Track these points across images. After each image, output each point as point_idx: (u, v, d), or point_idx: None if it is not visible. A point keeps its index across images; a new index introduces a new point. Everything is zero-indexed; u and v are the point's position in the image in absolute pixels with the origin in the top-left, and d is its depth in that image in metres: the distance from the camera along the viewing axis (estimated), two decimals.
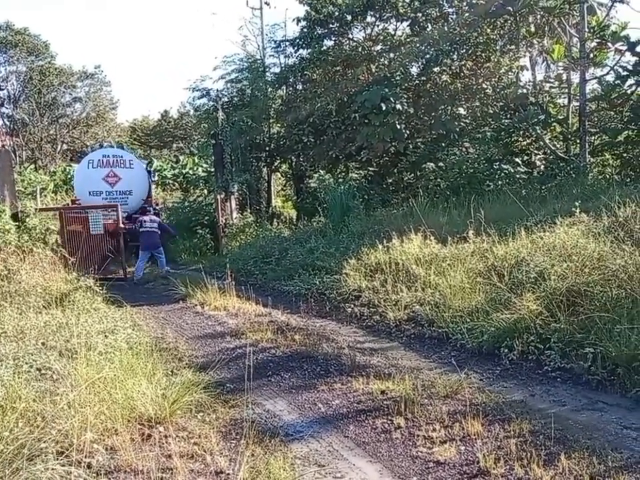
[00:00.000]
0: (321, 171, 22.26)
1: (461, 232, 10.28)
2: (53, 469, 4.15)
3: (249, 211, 21.60)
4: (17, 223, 13.30)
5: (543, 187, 13.96)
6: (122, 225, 15.86)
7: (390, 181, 19.20)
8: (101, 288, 10.20)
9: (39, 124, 40.51)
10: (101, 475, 4.35)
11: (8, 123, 40.62)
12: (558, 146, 17.09)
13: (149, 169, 21.09)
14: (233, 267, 11.63)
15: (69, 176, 33.39)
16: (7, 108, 40.72)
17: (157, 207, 20.22)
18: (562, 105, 17.75)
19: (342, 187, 16.49)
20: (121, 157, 18.88)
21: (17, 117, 40.44)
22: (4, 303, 8.66)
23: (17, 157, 34.62)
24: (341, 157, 20.19)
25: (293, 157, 23.33)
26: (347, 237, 13.32)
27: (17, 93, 40.88)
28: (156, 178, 28.92)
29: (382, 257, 10.48)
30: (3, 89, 39.54)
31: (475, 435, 4.90)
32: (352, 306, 9.49)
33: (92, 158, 18.88)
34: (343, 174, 21.17)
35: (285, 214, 25.34)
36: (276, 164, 24.52)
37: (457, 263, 9.08)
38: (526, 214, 10.47)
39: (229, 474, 4.47)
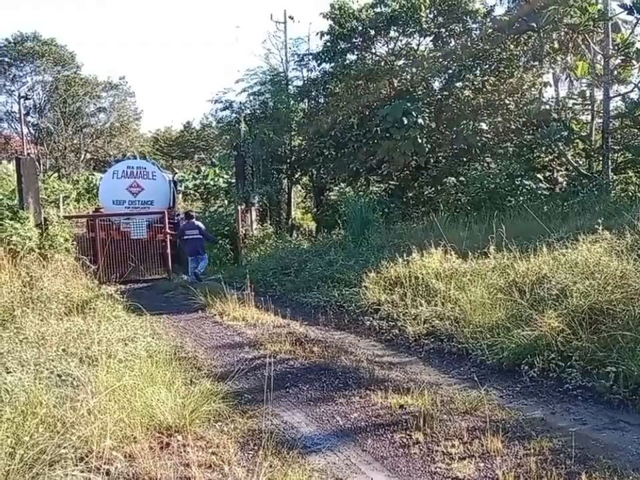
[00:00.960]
0: (341, 183, 22.33)
1: (481, 247, 10.21)
2: (72, 475, 4.18)
3: (268, 222, 21.68)
4: (40, 230, 13.48)
5: (565, 204, 13.89)
6: (168, 231, 16.85)
7: (410, 194, 19.22)
8: (121, 296, 10.27)
9: (63, 133, 41.05)
10: None
11: (33, 132, 41.22)
12: (580, 163, 17.02)
13: (174, 179, 21.87)
14: (252, 278, 11.64)
15: (92, 185, 33.83)
16: (32, 117, 41.37)
17: (178, 217, 20.47)
18: (585, 121, 17.69)
19: (362, 200, 16.47)
20: (144, 168, 19.51)
21: (42, 126, 41.01)
22: (26, 309, 8.74)
23: (41, 165, 35.09)
24: (361, 170, 20.24)
25: (313, 170, 23.41)
26: (366, 250, 13.30)
27: (43, 102, 41.50)
28: (182, 188, 29.22)
29: (402, 270, 10.44)
30: (29, 99, 40.16)
31: (494, 452, 4.85)
32: (371, 319, 9.46)
33: (117, 169, 19.65)
34: (364, 187, 21.20)
35: (304, 226, 25.39)
36: (297, 176, 24.62)
37: (478, 278, 9.02)
38: (548, 230, 10.38)
39: None
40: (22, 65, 40.73)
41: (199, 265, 16.03)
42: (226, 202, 25.70)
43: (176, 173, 23.97)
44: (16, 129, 41.58)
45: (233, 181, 24.58)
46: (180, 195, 25.33)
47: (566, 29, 16.16)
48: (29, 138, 39.95)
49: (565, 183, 16.76)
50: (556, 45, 17.38)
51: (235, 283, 12.30)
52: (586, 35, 15.60)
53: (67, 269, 11.00)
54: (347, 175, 21.19)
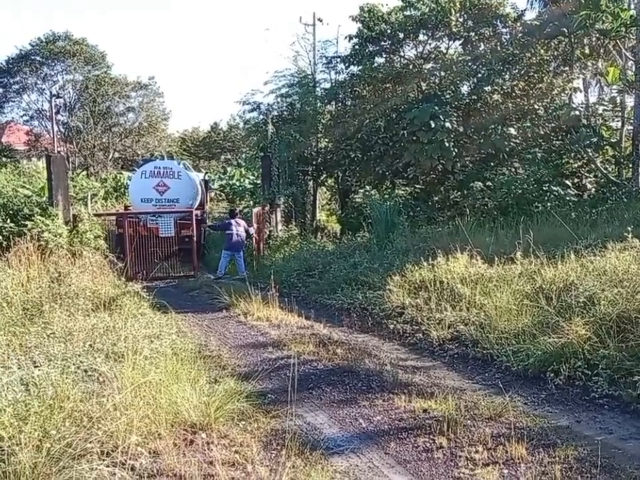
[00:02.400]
0: (366, 186, 22.27)
1: (508, 253, 10.13)
2: (98, 469, 4.23)
3: (293, 223, 21.71)
4: (69, 227, 13.67)
5: (594, 211, 13.72)
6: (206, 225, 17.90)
7: (436, 198, 19.12)
8: (147, 293, 10.36)
9: (92, 132, 41.45)
10: (144, 477, 4.42)
11: (63, 130, 41.70)
12: (610, 169, 16.81)
13: (205, 179, 23.35)
14: (276, 279, 11.67)
15: (119, 183, 34.20)
16: (62, 115, 41.79)
17: (203, 216, 20.79)
18: (615, 128, 17.47)
19: (388, 203, 16.44)
20: (171, 168, 20.35)
21: (72, 125, 41.44)
22: (54, 305, 8.85)
23: (70, 163, 35.48)
24: (387, 173, 20.20)
25: (339, 172, 23.41)
26: (391, 253, 13.26)
27: (73, 101, 41.93)
28: (216, 186, 29.45)
29: (426, 274, 10.40)
30: (60, 97, 40.62)
31: (518, 459, 4.82)
32: (395, 322, 9.43)
33: (145, 169, 20.55)
34: (389, 190, 21.13)
35: (329, 228, 25.38)
36: (322, 178, 24.64)
37: (504, 284, 8.96)
38: (575, 237, 10.27)
39: None
40: (53, 64, 41.19)
41: (237, 264, 16.43)
42: (251, 203, 25.79)
43: (206, 173, 24.72)
44: (46, 126, 42.12)
45: (259, 182, 24.67)
46: (212, 194, 26.00)
47: (597, 35, 15.96)
48: (58, 136, 40.47)
49: (593, 189, 16.57)
50: (587, 51, 17.19)
51: (259, 284, 12.35)
52: (617, 41, 15.39)
53: (95, 266, 11.12)
54: (372, 177, 21.15)
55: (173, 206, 19.36)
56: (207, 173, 25.75)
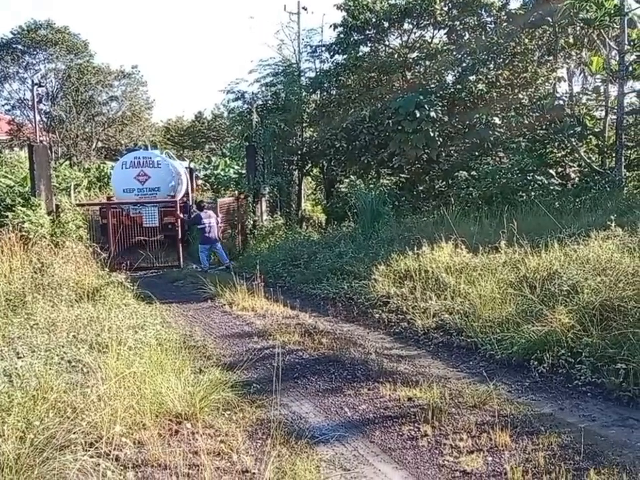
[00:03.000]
0: (352, 176, 22.22)
1: (492, 242, 10.18)
2: (82, 460, 4.21)
3: (279, 213, 21.65)
4: (52, 217, 13.55)
5: (577, 200, 13.81)
6: (179, 214, 17.51)
7: (421, 188, 19.15)
8: (131, 284, 10.31)
9: (75, 121, 41.05)
10: (128, 468, 4.40)
11: (45, 120, 41.23)
12: (593, 159, 16.90)
13: (191, 168, 23.57)
14: (262, 269, 11.64)
15: (103, 173, 33.95)
16: (45, 105, 41.28)
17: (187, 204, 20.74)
18: (599, 117, 17.54)
19: (373, 193, 16.43)
20: (150, 157, 20.50)
21: (55, 114, 40.97)
22: (37, 296, 8.79)
23: (53, 153, 35.15)
24: (372, 162, 20.18)
25: (324, 162, 23.33)
26: (376, 242, 13.27)
27: (55, 90, 41.43)
28: (201, 175, 29.45)
29: (411, 264, 10.42)
30: (42, 86, 40.13)
31: (502, 447, 4.86)
32: (380, 312, 9.45)
33: (125, 160, 20.77)
34: (374, 180, 21.10)
35: (314, 218, 25.34)
36: (307, 168, 24.53)
37: (488, 273, 9.00)
38: (559, 226, 10.33)
39: (254, 473, 4.49)
40: (35, 52, 40.67)
41: (219, 255, 16.31)
42: (236, 192, 25.72)
43: (191, 161, 24.99)
44: (28, 116, 41.60)
45: (244, 171, 24.55)
46: (198, 182, 27.28)
47: (581, 24, 16.00)
48: (41, 125, 40.01)
49: (577, 179, 16.65)
50: (571, 40, 17.23)
51: (244, 273, 12.32)
52: (601, 30, 15.45)
53: (78, 256, 11.04)
54: (357, 167, 21.13)
55: (155, 195, 19.50)
56: (191, 161, 26.22)
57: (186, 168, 23.99)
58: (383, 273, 10.55)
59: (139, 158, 20.34)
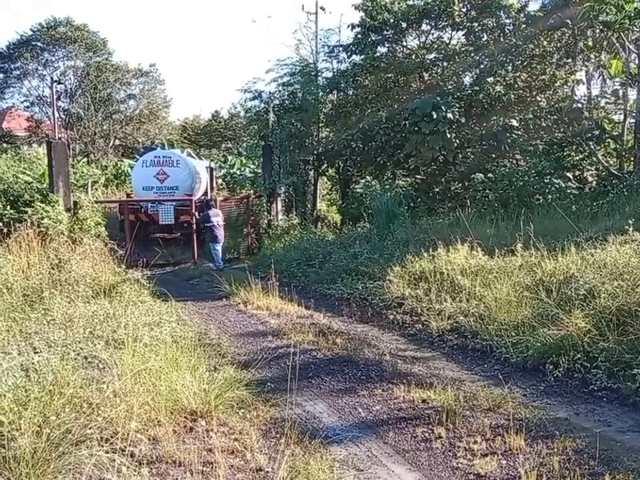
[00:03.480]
0: (367, 176, 22.21)
1: (508, 245, 10.13)
2: (97, 455, 4.24)
3: (294, 213, 21.69)
4: (69, 214, 13.66)
5: (595, 204, 13.69)
6: (194, 212, 17.91)
7: (437, 189, 19.08)
8: (147, 281, 10.36)
9: (93, 119, 41.32)
10: (143, 464, 4.43)
11: (64, 117, 41.55)
12: (611, 162, 16.78)
13: (212, 167, 25.27)
14: (277, 268, 11.67)
15: (120, 170, 34.15)
16: (63, 102, 41.61)
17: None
18: (617, 121, 17.41)
19: (388, 194, 16.42)
20: (170, 157, 20.98)
21: (73, 111, 41.29)
22: (54, 291, 8.86)
23: (71, 150, 35.31)
24: (388, 163, 20.13)
25: (340, 162, 23.31)
26: (391, 243, 13.26)
27: (74, 87, 41.77)
28: (221, 173, 30.21)
29: (426, 265, 10.40)
30: (61, 83, 40.44)
31: (517, 450, 4.84)
32: (394, 313, 9.44)
33: (146, 158, 21.24)
34: (390, 181, 21.08)
35: (329, 218, 25.36)
36: (323, 168, 24.54)
37: (504, 276, 8.96)
38: (576, 230, 10.26)
39: (268, 472, 4.51)
40: (54, 50, 41.03)
41: (218, 251, 16.74)
42: (252, 192, 25.80)
43: (212, 160, 27.12)
44: (47, 113, 41.96)
45: (259, 171, 24.64)
46: (219, 181, 28.17)
47: (601, 27, 15.85)
48: (59, 122, 40.30)
49: (594, 182, 16.53)
50: (590, 43, 17.08)
51: (259, 273, 12.35)
52: (621, 33, 15.30)
53: (95, 253, 11.12)
54: (373, 168, 21.09)
55: (173, 193, 19.87)
56: (212, 160, 27.60)
57: (206, 167, 24.71)
58: (397, 274, 10.54)
59: (159, 157, 20.83)
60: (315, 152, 23.53)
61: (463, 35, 21.05)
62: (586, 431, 5.22)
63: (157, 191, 20.09)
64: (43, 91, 42.02)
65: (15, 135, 40.79)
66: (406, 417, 5.61)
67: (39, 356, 5.88)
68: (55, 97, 39.16)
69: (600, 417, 5.63)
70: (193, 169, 21.44)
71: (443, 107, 16.85)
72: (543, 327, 7.17)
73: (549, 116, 17.94)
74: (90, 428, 4.53)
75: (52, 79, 40.30)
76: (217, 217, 16.78)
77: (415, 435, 5.25)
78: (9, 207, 13.10)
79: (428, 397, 5.96)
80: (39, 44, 40.83)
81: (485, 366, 7.20)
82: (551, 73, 18.68)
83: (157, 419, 4.99)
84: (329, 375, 6.84)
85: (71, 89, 41.69)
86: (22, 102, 43.18)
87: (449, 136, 16.92)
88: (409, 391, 6.15)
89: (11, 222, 12.13)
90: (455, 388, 6.15)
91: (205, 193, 22.36)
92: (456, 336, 8.22)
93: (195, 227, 17.59)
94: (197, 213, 17.93)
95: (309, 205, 23.87)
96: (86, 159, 37.27)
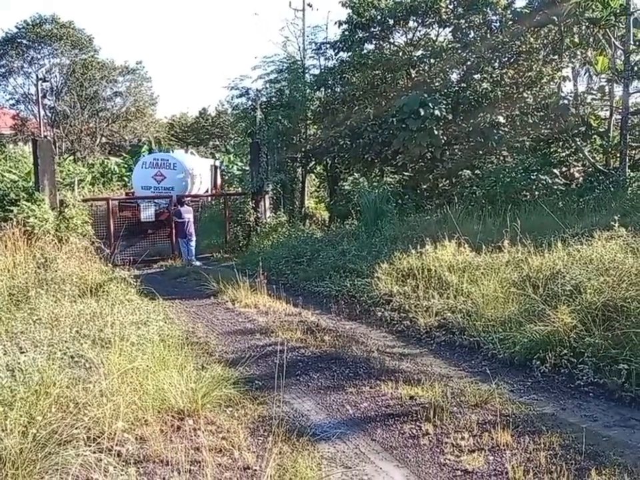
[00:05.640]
0: (355, 173, 22.22)
1: (495, 241, 10.17)
2: (84, 455, 4.22)
3: (282, 210, 21.66)
4: (55, 212, 13.57)
5: (581, 200, 13.78)
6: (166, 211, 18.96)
7: (425, 186, 19.11)
8: (134, 279, 10.32)
9: (79, 116, 41.05)
10: (130, 463, 4.40)
11: (50, 115, 41.25)
12: (598, 159, 16.87)
13: (216, 165, 27.40)
14: (265, 266, 11.66)
15: (107, 169, 34.08)
16: (49, 99, 41.33)
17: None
18: (603, 117, 17.49)
19: (376, 191, 16.41)
20: (167, 160, 22.69)
21: (59, 109, 40.99)
22: (40, 291, 8.81)
23: (57, 148, 35.11)
24: (376, 160, 20.14)
25: (328, 159, 23.31)
26: (379, 240, 13.27)
27: (60, 85, 41.45)
28: (224, 168, 31.75)
29: (414, 262, 10.42)
30: (47, 81, 40.13)
31: (504, 446, 4.86)
32: (382, 310, 9.45)
33: (146, 160, 23.35)
34: (378, 178, 21.09)
35: (317, 215, 25.35)
36: (311, 165, 24.53)
37: (491, 272, 8.99)
38: (563, 226, 10.33)
39: (256, 470, 4.50)
40: (40, 47, 40.65)
41: (191, 248, 17.23)
42: (239, 189, 25.76)
43: (216, 159, 28.80)
44: (32, 111, 41.65)
45: (247, 168, 24.61)
46: (225, 178, 29.77)
47: (587, 23, 15.94)
48: (45, 120, 40.01)
49: (581, 178, 16.63)
50: (576, 39, 17.15)
51: (247, 270, 12.32)
52: (607, 30, 15.40)
53: (82, 252, 11.06)
54: (361, 165, 21.10)
55: (169, 193, 20.85)
56: (217, 159, 29.39)
57: (211, 166, 26.91)
58: (385, 271, 10.55)
59: (158, 159, 22.73)
60: (303, 149, 23.52)
61: (449, 32, 21.08)
62: (572, 426, 5.24)
63: (154, 190, 21.63)
64: (29, 88, 41.71)
65: (0, 134, 40.44)
66: (394, 413, 5.61)
67: (25, 356, 5.85)
68: (40, 94, 38.88)
69: (586, 412, 5.66)
70: (190, 171, 22.74)
71: (430, 104, 16.87)
72: (529, 323, 7.20)
73: (535, 112, 18.03)
74: (76, 428, 4.50)
75: (37, 76, 39.97)
76: (188, 214, 17.38)
77: (402, 431, 5.26)
78: None
79: (416, 393, 5.97)
80: (24, 41, 40.48)
81: (473, 362, 7.22)
82: (538, 69, 18.75)
83: (144, 418, 4.97)
84: (317, 372, 6.84)
85: (56, 86, 41.39)
86: (7, 100, 42.85)
87: (436, 133, 16.94)
88: (397, 388, 6.16)
89: None
90: (442, 384, 6.17)
91: (207, 191, 24.33)
92: (444, 332, 8.24)
93: (173, 224, 18.22)
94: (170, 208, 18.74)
95: (297, 203, 23.88)
96: (72, 157, 37.09)
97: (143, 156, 30.22)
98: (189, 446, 4.74)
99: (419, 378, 6.42)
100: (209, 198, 23.82)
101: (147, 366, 5.61)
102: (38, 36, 40.03)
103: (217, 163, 28.38)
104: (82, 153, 41.32)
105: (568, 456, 4.67)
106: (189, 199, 19.16)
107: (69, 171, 29.57)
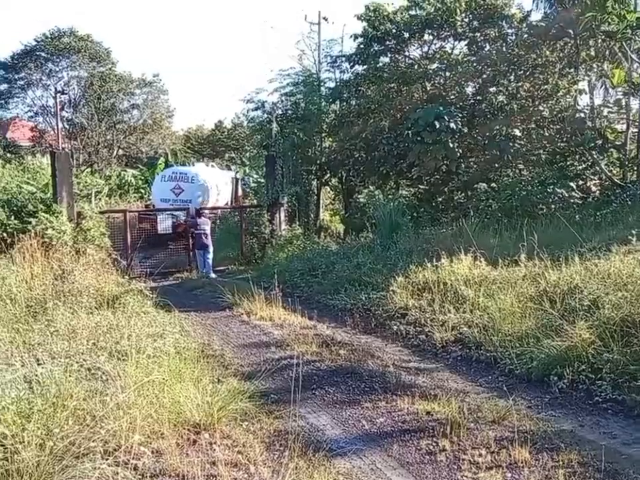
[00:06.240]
0: (370, 186, 22.23)
1: (512, 255, 10.12)
2: (100, 469, 4.22)
3: (297, 222, 21.69)
4: (73, 224, 13.67)
5: (598, 213, 13.70)
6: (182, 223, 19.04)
7: (440, 199, 19.09)
8: (150, 291, 10.35)
9: (97, 129, 41.44)
10: (146, 477, 4.41)
11: (67, 127, 41.68)
12: (614, 172, 16.78)
13: (237, 177, 28.25)
14: (280, 278, 11.66)
15: (123, 180, 34.36)
16: (67, 112, 41.77)
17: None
18: (620, 130, 17.41)
19: (391, 204, 16.40)
20: (185, 173, 23.35)
21: (77, 121, 41.44)
22: (57, 302, 8.85)
23: (75, 160, 35.38)
24: (391, 173, 20.17)
25: (343, 172, 23.38)
26: (394, 253, 13.23)
27: (78, 97, 41.91)
28: (246, 180, 32.00)
29: (430, 275, 10.38)
30: (65, 93, 40.57)
31: (522, 463, 4.81)
32: (398, 324, 9.41)
33: (165, 173, 24.15)
34: (393, 190, 21.11)
35: (332, 228, 25.34)
36: (326, 177, 24.59)
37: (508, 286, 8.94)
38: (580, 240, 10.25)
39: None
40: (58, 60, 41.16)
41: (208, 260, 17.16)
42: (255, 201, 25.85)
43: (237, 172, 29.43)
44: (50, 123, 42.11)
45: (262, 180, 24.72)
46: (247, 190, 30.18)
47: (603, 36, 15.91)
48: (63, 132, 40.43)
49: (598, 192, 16.53)
50: (592, 52, 17.12)
51: (262, 283, 12.33)
52: (623, 43, 15.36)
53: (99, 263, 11.12)
54: (376, 177, 21.12)
55: (187, 205, 20.93)
56: (237, 172, 29.86)
57: (232, 178, 27.62)
58: (401, 285, 10.52)
59: (176, 173, 23.48)
60: (318, 162, 23.59)
61: (465, 45, 21.13)
62: (591, 443, 5.19)
63: (172, 203, 22.16)
64: (47, 101, 42.20)
65: (18, 145, 40.92)
66: (410, 429, 5.58)
67: (42, 368, 5.87)
68: (58, 107, 39.34)
69: (605, 429, 5.59)
70: (207, 184, 23.13)
71: (445, 117, 16.88)
72: (547, 338, 7.15)
73: (551, 125, 18.00)
74: (93, 441, 4.51)
75: (56, 89, 40.48)
76: (206, 226, 17.31)
77: (419, 447, 5.22)
78: (12, 217, 13.08)
79: (432, 408, 5.93)
80: (43, 54, 41.01)
81: (489, 377, 7.16)
82: (554, 82, 18.70)
83: (160, 431, 4.98)
84: (333, 386, 6.82)
85: (74, 99, 41.84)
86: (26, 112, 43.40)
87: (451, 145, 16.94)
88: (413, 403, 6.12)
89: (15, 232, 12.14)
90: (459, 400, 6.12)
91: (228, 203, 24.99)
92: (460, 347, 8.19)
93: (190, 236, 18.18)
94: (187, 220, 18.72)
95: (312, 215, 23.91)
96: (89, 169, 37.32)
97: (160, 168, 31.58)
98: (205, 460, 4.74)
99: (436, 393, 6.38)
100: (227, 210, 23.95)
101: (163, 379, 5.62)
102: (56, 49, 40.55)
103: (239, 175, 29.12)
104: (99, 164, 41.66)
105: (587, 474, 4.61)
106: (207, 211, 19.14)
107: (86, 182, 29.76)
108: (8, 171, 27.10)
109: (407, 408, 6.04)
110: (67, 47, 40.58)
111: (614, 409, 5.96)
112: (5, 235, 12.14)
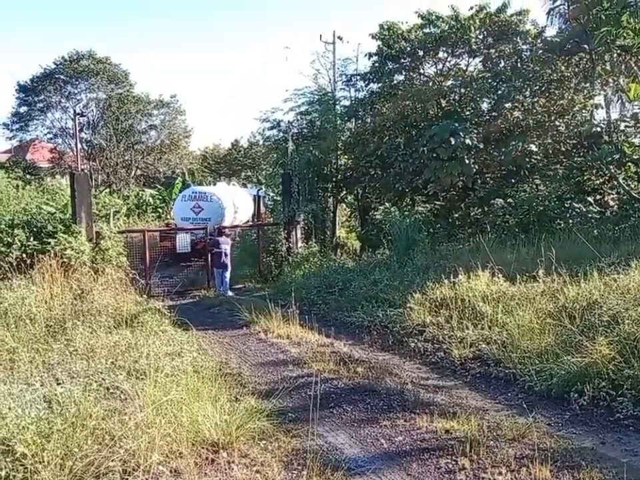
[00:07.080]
0: (386, 203, 22.23)
1: (530, 270, 10.06)
2: None
3: (313, 240, 21.71)
4: (92, 244, 13.79)
5: (616, 228, 13.59)
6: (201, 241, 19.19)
7: (456, 215, 19.06)
8: (168, 310, 10.40)
9: (115, 149, 41.89)
10: None
11: (86, 148, 42.19)
12: (632, 186, 16.64)
13: (259, 194, 28.98)
14: (297, 296, 11.66)
15: (142, 200, 34.63)
16: (86, 133, 42.30)
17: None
18: (637, 144, 17.30)
19: (408, 220, 16.40)
20: (204, 193, 23.93)
21: (95, 142, 41.95)
22: (76, 322, 8.93)
23: (93, 181, 35.83)
24: (407, 189, 20.17)
25: (359, 189, 23.43)
26: (411, 270, 13.21)
27: (96, 119, 42.43)
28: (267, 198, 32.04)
29: (447, 292, 10.34)
30: (84, 115, 41.11)
31: None
32: (415, 341, 9.36)
33: (185, 193, 24.80)
34: (409, 207, 21.10)
35: (348, 245, 25.35)
36: (342, 195, 24.66)
37: (526, 302, 8.88)
38: (598, 255, 10.17)
39: None
40: (77, 82, 41.74)
41: (226, 278, 17.19)
42: (271, 219, 25.96)
43: (259, 189, 30.01)
44: (69, 144, 42.64)
45: (279, 198, 24.86)
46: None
47: (618, 51, 15.88)
48: (82, 154, 40.93)
49: (616, 206, 16.42)
50: (608, 67, 17.07)
51: (279, 300, 12.34)
52: (639, 57, 15.31)
53: (117, 283, 11.20)
54: (392, 194, 21.11)
55: (206, 224, 21.30)
56: (260, 189, 30.13)
57: (254, 195, 28.64)
58: (418, 301, 10.48)
59: (196, 192, 24.13)
60: (334, 179, 23.67)
61: (480, 62, 21.19)
62: (613, 461, 5.12)
63: (192, 221, 22.69)
64: (66, 122, 42.78)
65: (38, 167, 41.48)
66: (429, 447, 5.53)
67: (62, 387, 5.92)
68: (77, 128, 39.84)
69: (627, 446, 5.51)
70: (225, 203, 23.47)
71: (461, 133, 16.89)
72: (566, 355, 7.08)
73: (568, 140, 17.91)
74: (112, 460, 4.54)
75: (74, 111, 41.04)
76: (226, 245, 17.35)
77: (438, 466, 5.18)
78: (32, 238, 13.21)
79: (451, 427, 5.88)
80: (62, 77, 41.61)
81: (509, 395, 7.10)
82: (569, 97, 18.66)
83: (178, 450, 4.98)
84: (351, 404, 6.79)
85: (93, 120, 42.35)
86: (45, 134, 44.03)
87: (467, 162, 16.93)
88: (432, 421, 6.08)
89: (34, 253, 12.28)
90: (478, 417, 6.07)
91: (248, 221, 25.84)
92: (478, 364, 8.13)
93: (208, 255, 18.30)
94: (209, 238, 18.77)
95: (328, 232, 23.93)
96: (108, 189, 37.68)
97: (177, 187, 32.76)
98: (223, 479, 4.74)
99: (455, 411, 6.33)
100: (246, 228, 24.12)
101: (181, 398, 5.64)
102: (75, 71, 41.13)
103: (261, 193, 29.56)
104: (117, 185, 42.04)
105: None
106: (227, 230, 19.25)
107: (105, 202, 30.01)
108: (28, 192, 27.48)
109: (426, 426, 5.99)
110: (86, 69, 41.16)
111: (635, 425, 5.88)
112: (24, 255, 12.25)
